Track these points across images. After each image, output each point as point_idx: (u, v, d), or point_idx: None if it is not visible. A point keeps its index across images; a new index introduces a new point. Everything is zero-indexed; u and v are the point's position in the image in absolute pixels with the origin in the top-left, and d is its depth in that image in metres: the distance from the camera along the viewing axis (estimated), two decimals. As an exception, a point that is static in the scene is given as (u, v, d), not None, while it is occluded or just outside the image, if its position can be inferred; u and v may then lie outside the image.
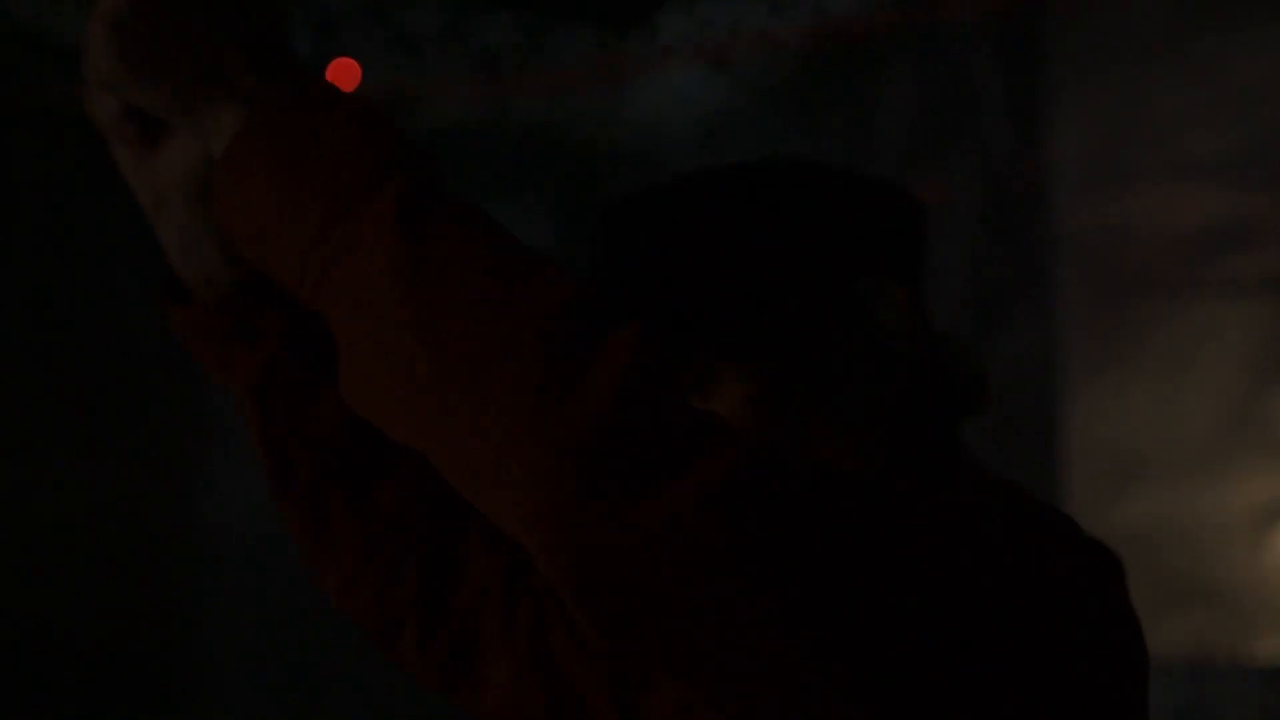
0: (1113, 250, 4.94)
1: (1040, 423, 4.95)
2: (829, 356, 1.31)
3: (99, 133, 1.51)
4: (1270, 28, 4.78)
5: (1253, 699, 4.63)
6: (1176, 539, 4.71)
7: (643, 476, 0.99)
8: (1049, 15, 5.16)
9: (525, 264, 1.10)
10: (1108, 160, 4.99)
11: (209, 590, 7.88)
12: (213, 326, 1.57)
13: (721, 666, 1.02)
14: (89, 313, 7.72)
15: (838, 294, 1.31)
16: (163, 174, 1.47)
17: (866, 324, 1.32)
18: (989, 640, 1.04)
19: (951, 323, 5.51)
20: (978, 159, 5.38)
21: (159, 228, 1.58)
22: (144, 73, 1.22)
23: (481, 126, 7.83)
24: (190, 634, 7.81)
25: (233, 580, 7.85)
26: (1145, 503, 4.77)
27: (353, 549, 1.65)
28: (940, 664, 1.02)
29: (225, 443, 8.02)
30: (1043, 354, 4.98)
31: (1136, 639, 1.17)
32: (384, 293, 1.08)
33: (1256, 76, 4.77)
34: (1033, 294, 5.07)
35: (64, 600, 7.43)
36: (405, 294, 1.07)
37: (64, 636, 7.42)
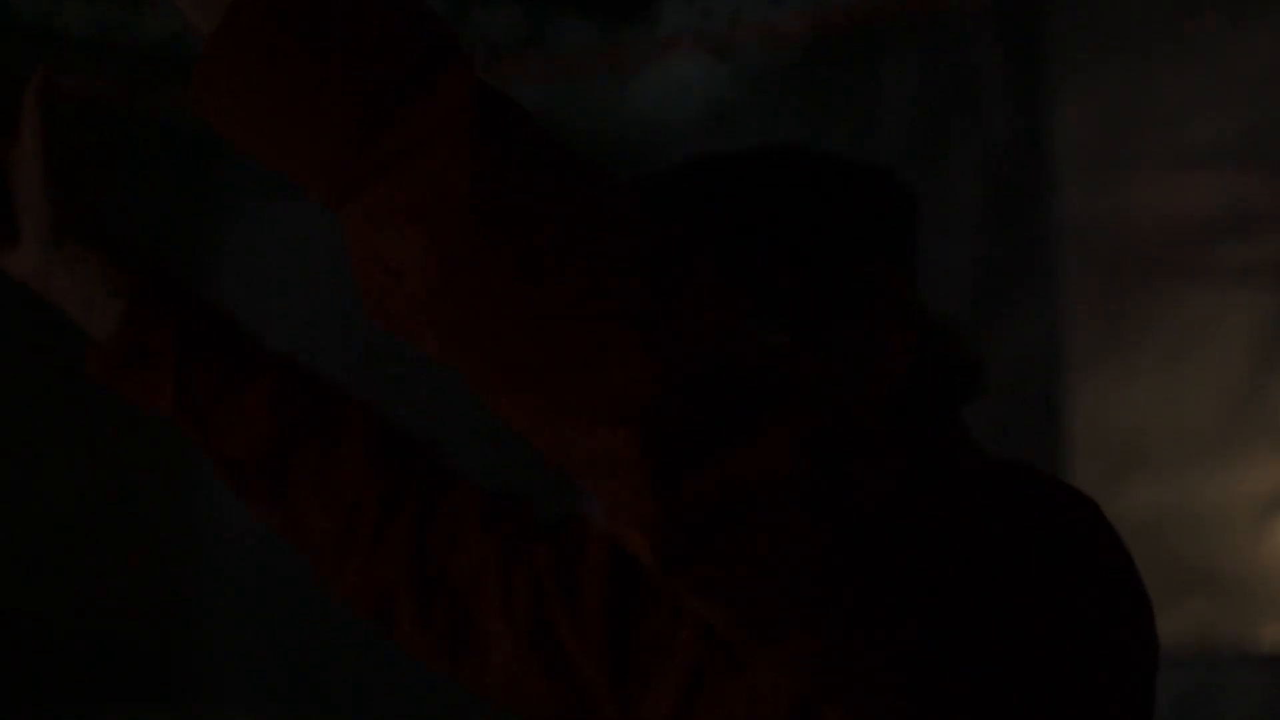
0: (1115, 237, 4.94)
1: (1043, 410, 4.95)
2: (830, 343, 1.30)
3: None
4: (1271, 14, 4.78)
5: (1256, 686, 4.63)
6: (1180, 526, 4.71)
7: (740, 419, 0.95)
8: (1050, 3, 5.16)
9: (601, 170, 1.01)
10: (1110, 148, 4.98)
11: (209, 585, 7.88)
12: (114, 361, 1.58)
13: (812, 633, 1.00)
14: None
15: (840, 280, 1.31)
16: (24, 258, 1.49)
17: (868, 310, 1.31)
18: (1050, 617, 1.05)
19: (954, 310, 5.50)
20: (980, 147, 5.37)
21: (51, 288, 1.58)
22: None
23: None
24: (190, 628, 7.81)
25: (233, 575, 7.85)
26: (1148, 490, 4.77)
27: (329, 530, 1.64)
28: (1006, 640, 1.03)
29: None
30: (1045, 341, 4.98)
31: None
32: (462, 197, 0.94)
33: (1258, 63, 4.76)
34: (1035, 281, 5.07)
35: (64, 596, 7.43)
36: (490, 197, 0.95)
37: (65, 631, 7.42)
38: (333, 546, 1.64)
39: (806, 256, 1.31)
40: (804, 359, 1.05)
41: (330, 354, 8.12)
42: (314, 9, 0.94)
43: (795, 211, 1.33)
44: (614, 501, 0.98)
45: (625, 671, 1.53)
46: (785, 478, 0.96)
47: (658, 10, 6.68)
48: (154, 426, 6.50)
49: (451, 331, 0.99)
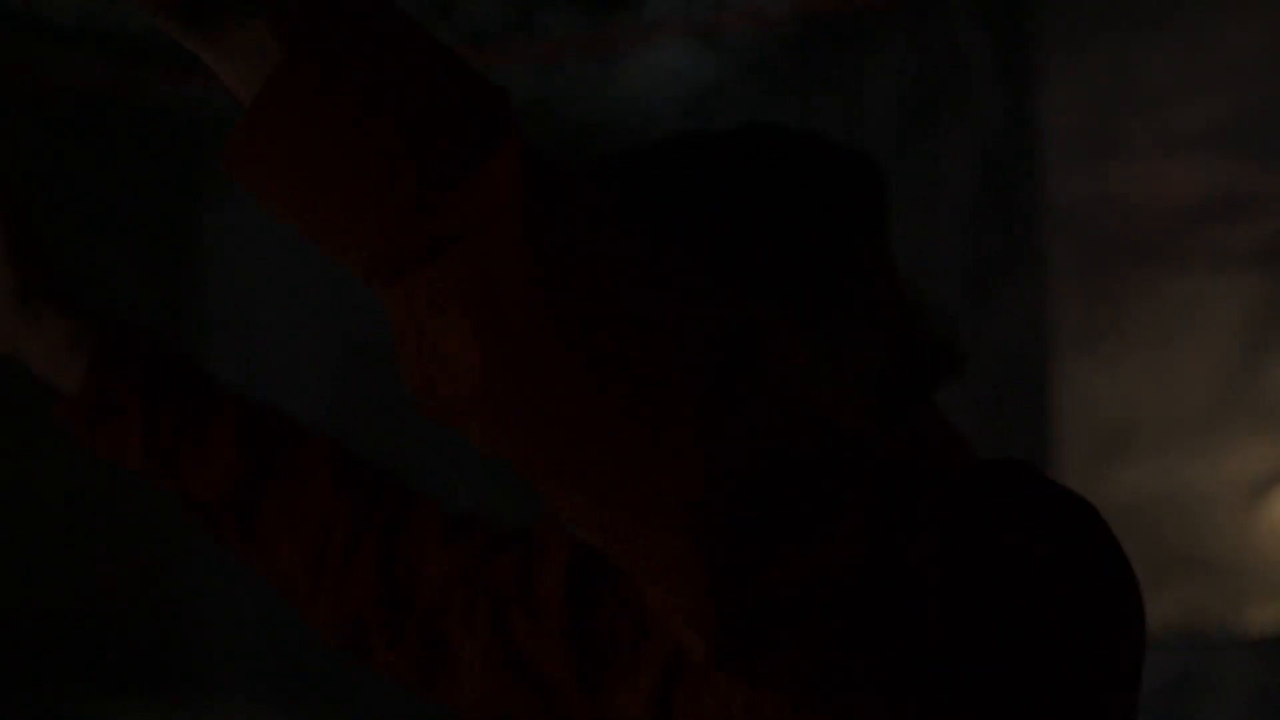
0: (1104, 222, 4.94)
1: (1031, 394, 4.95)
2: (815, 322, 1.30)
3: None
4: (1259, -2, 4.78)
5: (1245, 670, 4.63)
6: (1168, 510, 4.71)
7: (803, 518, 0.92)
8: (1038, -13, 5.16)
9: (663, 245, 0.95)
10: (1099, 132, 4.98)
11: (206, 578, 7.88)
12: (82, 415, 1.61)
13: (866, 708, 1.00)
14: (82, 287, 7.70)
15: (826, 257, 1.31)
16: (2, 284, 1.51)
17: (856, 288, 1.31)
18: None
19: (943, 295, 5.51)
20: (968, 132, 5.37)
21: (15, 346, 1.60)
22: None
23: (471, 103, 7.80)
24: (187, 622, 7.80)
25: (229, 568, 7.83)
26: (1137, 474, 4.77)
27: (299, 563, 1.66)
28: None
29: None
30: (1034, 326, 4.98)
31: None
32: (515, 286, 0.89)
33: (1248, 47, 4.76)
34: (1024, 266, 5.07)
35: (60, 590, 7.42)
36: (545, 287, 0.89)
37: (61, 626, 7.42)
38: (304, 579, 1.65)
39: (791, 234, 1.30)
40: (863, 440, 1.01)
41: (316, 345, 8.14)
42: (361, 77, 0.90)
43: (779, 188, 1.32)
44: (668, 599, 0.95)
45: (591, 668, 1.53)
46: (847, 574, 0.94)
47: (645, -5, 6.67)
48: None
49: (498, 424, 0.94)
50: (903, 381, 1.32)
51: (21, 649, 7.32)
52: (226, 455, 1.62)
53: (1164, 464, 4.74)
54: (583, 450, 0.91)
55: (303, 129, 0.90)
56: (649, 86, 7.45)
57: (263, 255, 8.02)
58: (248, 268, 8.02)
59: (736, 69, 6.90)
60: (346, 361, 8.10)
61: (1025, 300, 5.01)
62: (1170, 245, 4.82)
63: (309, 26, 0.90)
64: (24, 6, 7.14)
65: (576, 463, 0.92)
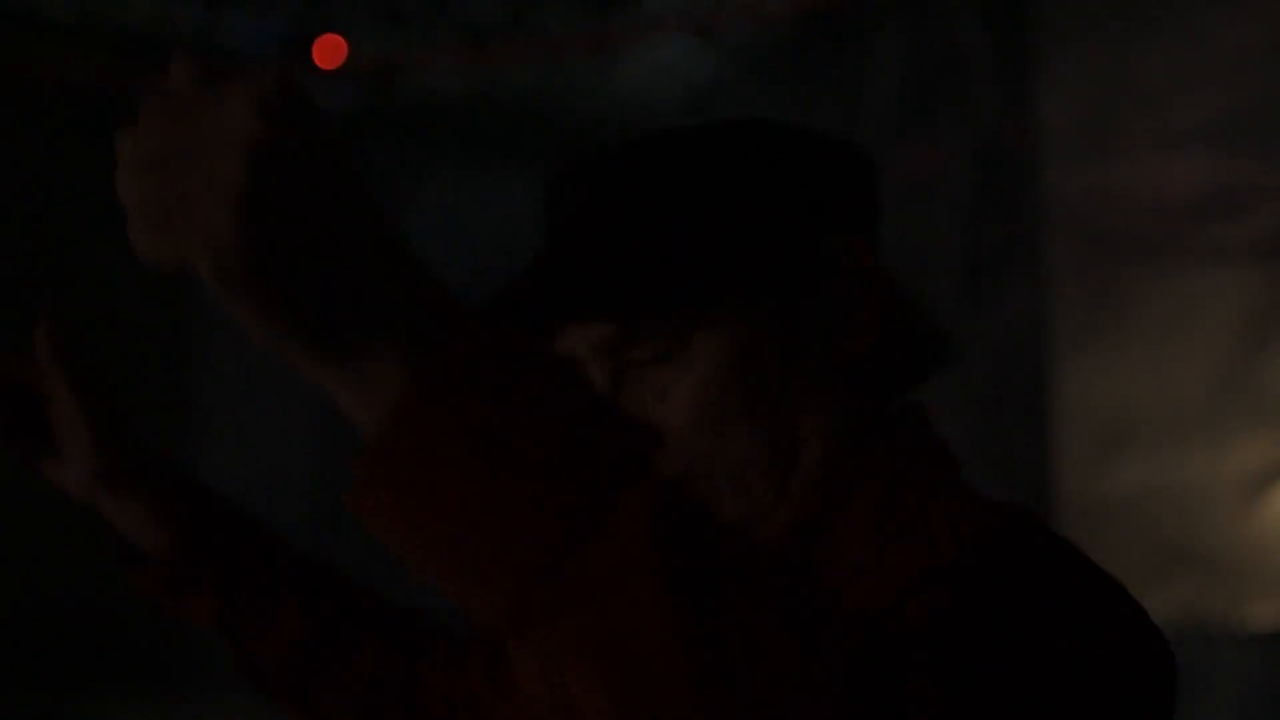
0: (1103, 218, 4.94)
1: (1030, 389, 4.95)
2: (799, 316, 1.29)
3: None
4: (1257, -6, 4.78)
5: (1245, 664, 4.63)
6: (1167, 505, 4.72)
7: None
8: (1036, -17, 5.16)
9: (797, 589, 0.90)
10: (1097, 127, 4.98)
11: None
12: (161, 585, 1.63)
13: None
14: (79, 296, 7.71)
15: (808, 252, 1.30)
16: (87, 464, 1.52)
17: (835, 282, 1.30)
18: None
19: (941, 291, 5.52)
20: (967, 127, 5.37)
21: (96, 507, 1.62)
22: (279, 280, 0.85)
23: (467, 99, 7.81)
24: (188, 621, 7.80)
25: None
26: (1136, 469, 4.77)
27: None
28: None
29: (218, 414, 8.02)
30: (1033, 321, 4.98)
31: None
32: (648, 646, 0.84)
33: (1245, 42, 4.76)
34: (1022, 261, 5.07)
35: (61, 589, 7.43)
36: (681, 645, 0.85)
37: (63, 624, 7.42)
38: None
39: (772, 228, 1.29)
40: None
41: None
42: (491, 419, 0.84)
43: (762, 182, 1.31)
44: None
45: None
46: None
47: (643, -8, 6.68)
48: (147, 413, 6.49)
49: None
50: (883, 377, 1.31)
51: (24, 648, 7.33)
52: (291, 625, 1.67)
53: (1163, 459, 4.74)
54: None
55: (423, 471, 0.85)
56: (648, 83, 7.44)
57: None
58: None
59: (735, 65, 6.90)
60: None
61: (1023, 296, 5.02)
62: (1168, 241, 4.82)
63: (442, 361, 0.85)
64: (23, 5, 7.14)
65: None
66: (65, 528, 7.15)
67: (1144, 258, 4.85)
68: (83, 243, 7.72)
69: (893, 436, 1.30)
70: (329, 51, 7.00)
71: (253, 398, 8.01)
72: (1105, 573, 1.14)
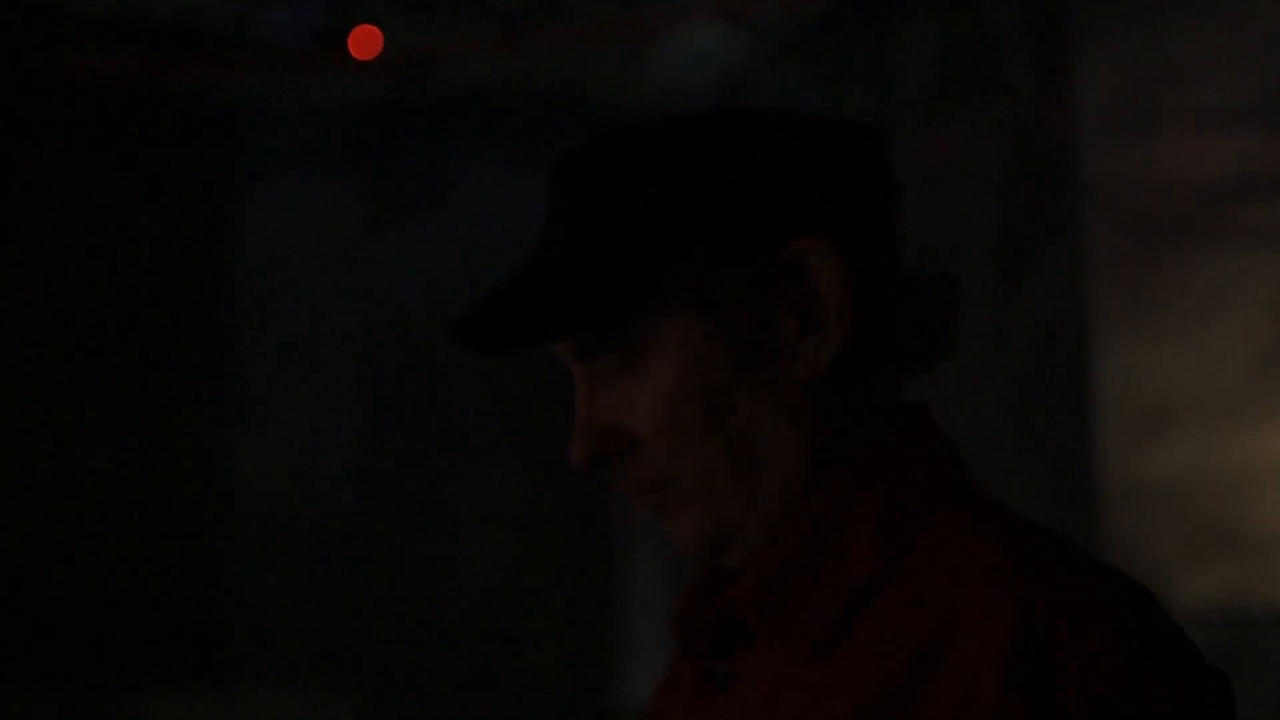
0: (1140, 198, 4.93)
1: (1070, 371, 4.94)
2: (754, 324, 1.27)
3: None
4: (1295, -27, 4.76)
5: (1287, 646, 4.62)
6: (1208, 487, 4.70)
7: None
8: (1070, -36, 5.14)
9: None
10: (1134, 109, 4.97)
11: (241, 547, 7.91)
12: None
13: None
14: (118, 276, 7.74)
15: (762, 256, 1.28)
16: None
17: (795, 288, 1.27)
18: None
19: (979, 273, 5.50)
20: (1002, 110, 5.36)
21: None
22: None
23: (501, 88, 7.82)
24: (222, 609, 7.84)
25: (263, 539, 7.88)
26: (1176, 451, 4.76)
27: None
28: None
29: (256, 404, 8.04)
30: (1071, 303, 4.97)
31: None
32: None
33: (1277, 25, 4.74)
34: (1061, 243, 5.06)
35: (99, 579, 7.46)
36: None
37: (99, 614, 7.46)
38: None
39: (719, 231, 1.27)
40: None
41: (343, 328, 8.15)
42: None
43: (713, 182, 1.26)
44: None
45: None
46: None
47: (676, -22, 6.68)
48: (186, 390, 6.50)
49: None
50: (867, 380, 1.29)
51: (61, 637, 7.36)
52: None
53: (1203, 441, 4.73)
54: None
55: None
56: (681, 70, 7.44)
57: (294, 238, 8.04)
58: (279, 250, 8.04)
59: (767, 51, 6.89)
60: (373, 344, 8.12)
61: (1062, 279, 5.00)
62: (1207, 222, 4.81)
63: None
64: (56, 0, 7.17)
65: None
66: (103, 521, 7.18)
67: (1182, 239, 4.84)
68: (122, 230, 7.75)
69: (889, 442, 1.28)
70: (364, 43, 7.02)
71: (292, 378, 8.03)
72: (1159, 613, 1.15)
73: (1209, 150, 4.81)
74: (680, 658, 1.40)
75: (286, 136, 8.03)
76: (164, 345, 7.76)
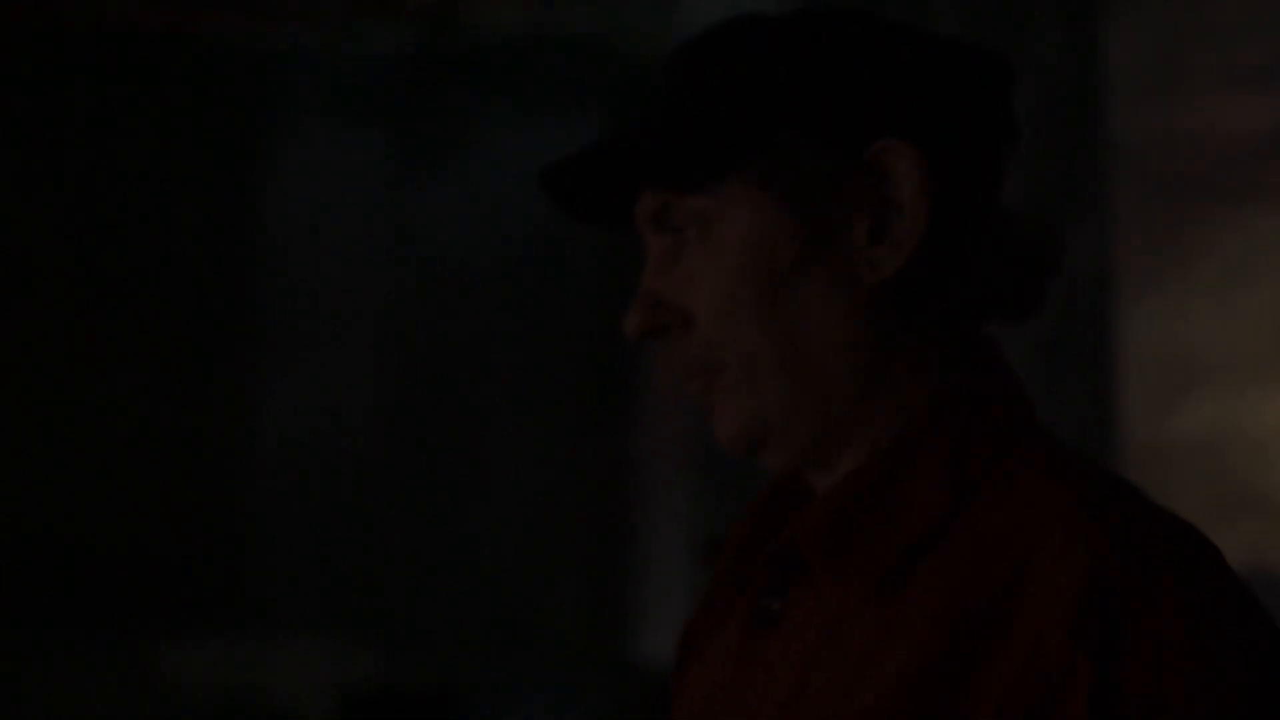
0: (1168, 159, 4.90)
1: (1097, 332, 4.92)
2: (823, 216, 1.26)
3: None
4: (1328, -69, 4.72)
5: (1311, 609, 4.60)
6: (1233, 449, 4.69)
7: None
8: (1103, -80, 5.10)
9: None
10: (1164, 67, 4.94)
11: (265, 498, 7.93)
12: None
13: None
14: (145, 229, 7.74)
15: (848, 148, 1.26)
16: None
17: (871, 188, 1.26)
18: None
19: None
20: (1030, 68, 5.33)
21: None
22: None
23: (528, 40, 7.80)
24: (250, 558, 7.86)
25: (289, 490, 7.89)
26: (1202, 412, 4.75)
27: None
28: None
29: (282, 353, 8.04)
30: (1099, 263, 4.95)
31: None
32: None
33: (1315, -20, 4.71)
34: (1087, 202, 5.03)
35: (125, 527, 7.48)
36: None
37: (127, 561, 7.48)
38: None
39: (799, 115, 1.27)
40: None
41: (375, 274, 8.15)
42: None
43: (805, 69, 1.27)
44: None
45: None
46: None
47: (706, -70, 6.64)
48: (211, 343, 6.54)
49: None
50: (937, 304, 1.27)
51: (86, 585, 7.39)
52: None
53: (1229, 403, 4.72)
54: None
55: None
56: (710, 19, 7.36)
57: (323, 188, 8.03)
58: (309, 201, 8.04)
59: (800, 4, 6.85)
60: (400, 294, 8.12)
61: (1089, 237, 4.98)
62: (1236, 183, 4.78)
63: None
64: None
65: None
66: (129, 469, 7.21)
67: (1211, 200, 4.81)
68: (146, 183, 7.75)
69: (960, 376, 1.27)
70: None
71: (318, 328, 8.03)
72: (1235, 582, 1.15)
73: (1239, 110, 4.78)
74: (727, 587, 1.37)
75: (314, 86, 8.02)
76: (190, 293, 7.76)
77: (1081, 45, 5.14)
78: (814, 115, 1.25)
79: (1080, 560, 1.12)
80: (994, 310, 1.29)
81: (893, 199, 1.24)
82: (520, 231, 7.48)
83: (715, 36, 1.32)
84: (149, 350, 7.58)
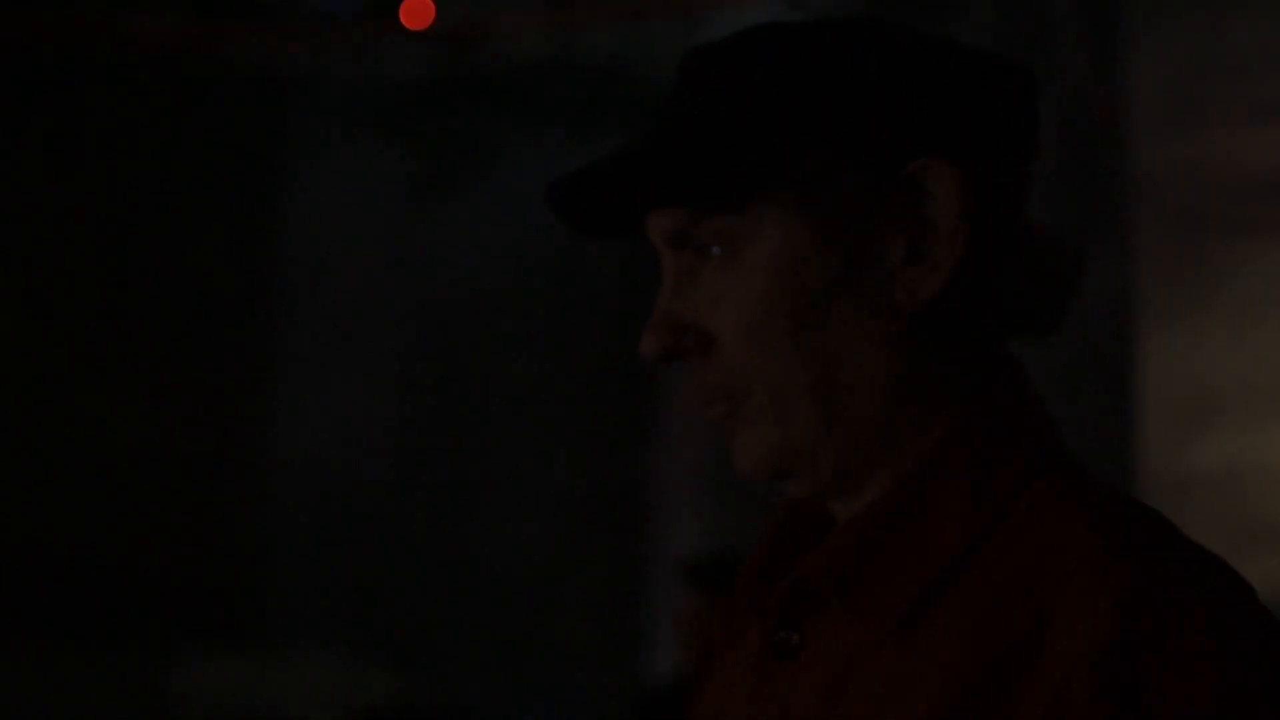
0: (1189, 191, 4.90)
1: (1116, 363, 4.92)
2: (857, 239, 1.21)
3: None
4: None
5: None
6: (1252, 481, 4.68)
7: None
8: (1126, -48, 5.11)
9: None
10: (1185, 99, 4.94)
11: (280, 519, 7.94)
12: None
13: None
14: (167, 246, 7.76)
15: (884, 169, 1.19)
16: None
17: (908, 209, 1.22)
18: None
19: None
20: (1053, 99, 5.33)
21: None
22: None
23: (551, 61, 7.81)
24: (260, 574, 7.86)
25: (304, 509, 7.90)
26: (1222, 444, 4.74)
27: None
28: None
29: (300, 373, 8.06)
30: (1119, 294, 4.94)
31: None
32: None
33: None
34: (1108, 234, 5.03)
35: (137, 544, 7.49)
36: None
37: (138, 578, 7.49)
38: None
39: (835, 133, 1.19)
40: None
41: (394, 296, 8.16)
42: None
43: (840, 84, 1.20)
44: None
45: None
46: None
47: (728, -46, 6.65)
48: (228, 360, 6.53)
49: None
50: (969, 325, 1.23)
51: (101, 602, 7.39)
52: None
53: (1249, 435, 4.70)
54: None
55: None
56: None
57: (342, 205, 8.04)
58: (328, 217, 8.05)
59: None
60: (427, 318, 8.13)
61: (1109, 268, 4.98)
62: (1257, 215, 4.78)
63: None
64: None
65: None
66: (141, 486, 7.20)
67: (1232, 232, 4.81)
68: (169, 202, 7.77)
69: (985, 400, 1.22)
70: (416, 13, 7.01)
71: (337, 348, 8.04)
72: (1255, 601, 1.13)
73: (1260, 143, 4.78)
74: (745, 610, 1.32)
75: (337, 106, 8.04)
76: (209, 313, 7.78)
77: (1104, 78, 5.14)
78: (848, 133, 1.20)
79: (1104, 605, 1.09)
80: (1017, 329, 1.25)
81: (929, 219, 1.19)
82: (540, 252, 7.49)
83: (740, 45, 1.25)
84: (164, 368, 7.59)
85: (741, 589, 1.29)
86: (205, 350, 7.74)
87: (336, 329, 8.06)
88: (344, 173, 8.03)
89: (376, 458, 7.93)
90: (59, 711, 7.12)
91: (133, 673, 7.31)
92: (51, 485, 7.34)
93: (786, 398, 1.19)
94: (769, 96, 1.20)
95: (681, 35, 7.47)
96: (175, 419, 7.60)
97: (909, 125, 1.19)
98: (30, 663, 7.17)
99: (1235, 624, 1.11)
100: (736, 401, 1.21)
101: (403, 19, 7.09)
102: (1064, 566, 1.12)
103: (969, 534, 1.17)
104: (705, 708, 1.34)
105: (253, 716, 7.48)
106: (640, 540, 8.13)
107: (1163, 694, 1.08)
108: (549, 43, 7.69)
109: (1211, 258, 4.83)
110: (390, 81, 8.02)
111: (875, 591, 1.17)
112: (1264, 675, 1.09)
